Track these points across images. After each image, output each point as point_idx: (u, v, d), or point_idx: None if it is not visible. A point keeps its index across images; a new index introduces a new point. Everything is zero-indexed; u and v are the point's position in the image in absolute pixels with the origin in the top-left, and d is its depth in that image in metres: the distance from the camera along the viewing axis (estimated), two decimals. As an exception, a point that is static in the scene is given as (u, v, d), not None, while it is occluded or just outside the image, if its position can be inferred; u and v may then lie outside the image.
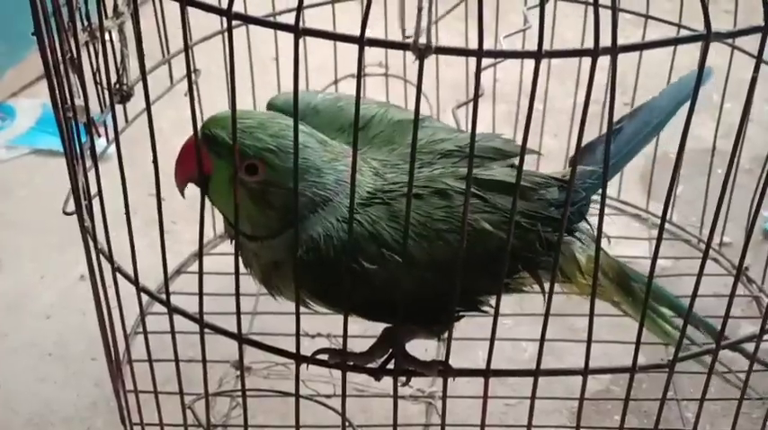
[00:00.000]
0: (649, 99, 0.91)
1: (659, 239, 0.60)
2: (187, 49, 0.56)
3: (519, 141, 0.88)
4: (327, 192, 0.72)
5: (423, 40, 0.45)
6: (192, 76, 0.59)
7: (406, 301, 0.63)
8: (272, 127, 0.70)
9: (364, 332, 1.06)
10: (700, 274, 0.62)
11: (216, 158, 0.70)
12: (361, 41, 0.49)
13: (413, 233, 0.70)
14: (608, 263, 0.87)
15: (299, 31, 0.50)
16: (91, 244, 0.77)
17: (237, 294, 0.67)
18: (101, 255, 0.76)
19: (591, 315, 0.64)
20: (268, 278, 0.77)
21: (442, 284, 0.69)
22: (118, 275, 0.75)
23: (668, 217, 1.27)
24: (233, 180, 0.67)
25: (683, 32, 1.19)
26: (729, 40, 1.15)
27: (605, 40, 0.48)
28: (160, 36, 1.08)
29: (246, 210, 0.70)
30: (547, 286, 0.77)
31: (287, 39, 0.51)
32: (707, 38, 0.47)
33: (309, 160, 0.71)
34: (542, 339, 0.64)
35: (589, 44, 0.47)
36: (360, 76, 0.51)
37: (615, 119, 0.64)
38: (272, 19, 0.69)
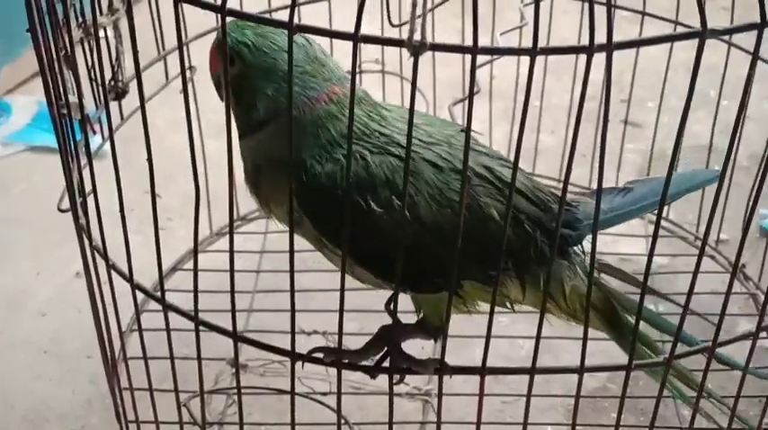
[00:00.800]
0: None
1: (655, 237, 0.59)
2: (181, 46, 0.56)
3: (515, 137, 0.89)
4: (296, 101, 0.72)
5: (417, 37, 0.45)
6: (187, 73, 0.59)
7: (400, 256, 0.63)
8: (263, 30, 0.72)
9: (360, 330, 1.06)
10: (696, 272, 0.62)
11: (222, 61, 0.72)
12: (356, 38, 0.48)
13: (426, 194, 0.71)
14: (596, 295, 0.86)
15: (293, 28, 0.49)
16: (85, 241, 0.76)
17: (232, 291, 0.67)
18: (95, 253, 0.76)
19: (586, 313, 0.64)
20: (255, 182, 0.77)
21: (438, 252, 0.70)
22: (113, 273, 0.74)
23: (665, 214, 1.27)
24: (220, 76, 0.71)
25: (680, 29, 1.19)
26: (726, 37, 1.14)
27: (601, 37, 0.48)
28: (155, 33, 1.08)
29: (232, 103, 0.71)
30: (530, 296, 0.79)
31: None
32: (703, 35, 0.47)
33: (279, 62, 0.72)
34: (538, 337, 0.64)
35: (586, 41, 0.47)
36: (354, 72, 0.50)
37: (613, 118, 0.63)
38: (266, 15, 0.69)
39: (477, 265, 0.72)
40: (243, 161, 0.78)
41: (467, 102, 0.57)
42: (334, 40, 0.51)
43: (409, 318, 0.81)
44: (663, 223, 1.25)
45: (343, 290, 0.63)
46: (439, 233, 0.71)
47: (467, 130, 0.51)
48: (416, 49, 0.45)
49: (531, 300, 0.80)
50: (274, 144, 0.72)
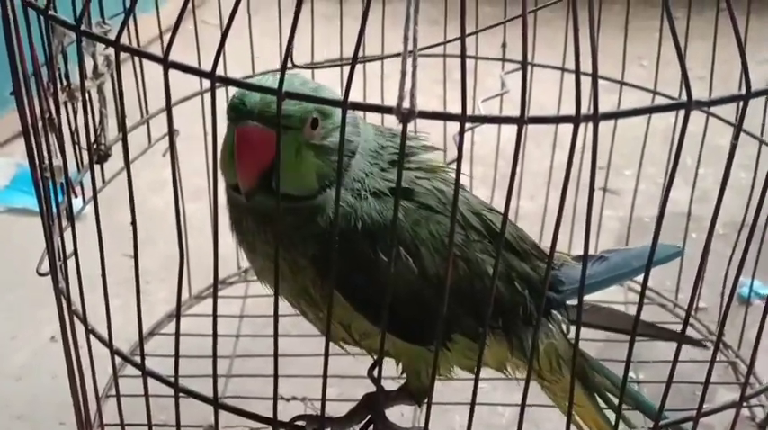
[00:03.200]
0: (639, 248, 0.98)
1: (639, 307, 0.60)
2: (169, 109, 0.56)
3: (496, 203, 0.90)
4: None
5: (406, 104, 0.45)
6: (172, 136, 0.59)
7: (396, 305, 0.64)
8: (294, 81, 0.71)
9: (340, 395, 1.05)
10: (680, 344, 0.62)
11: (284, 133, 0.68)
12: (345, 105, 0.49)
13: (431, 247, 0.72)
14: (568, 353, 0.88)
15: (281, 95, 0.50)
16: (64, 305, 0.76)
17: (214, 357, 0.66)
18: (74, 317, 0.75)
19: (572, 384, 0.64)
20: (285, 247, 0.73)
21: (435, 303, 0.71)
22: (91, 337, 0.74)
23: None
24: (300, 146, 0.69)
25: (660, 99, 1.20)
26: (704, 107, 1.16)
27: (585, 107, 0.48)
28: (139, 97, 1.08)
29: (315, 167, 0.71)
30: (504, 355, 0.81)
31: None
32: (688, 106, 0.47)
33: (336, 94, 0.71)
34: (523, 405, 0.63)
35: (566, 108, 0.47)
36: (342, 135, 0.51)
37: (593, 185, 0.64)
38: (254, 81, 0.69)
39: (471, 319, 0.74)
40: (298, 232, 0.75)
41: (453, 165, 0.58)
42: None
43: (392, 385, 0.80)
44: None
45: (327, 355, 0.62)
46: (439, 284, 0.72)
47: (454, 196, 0.51)
48: (405, 116, 0.46)
49: (499, 360, 0.82)
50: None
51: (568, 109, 0.49)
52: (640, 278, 0.73)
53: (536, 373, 0.84)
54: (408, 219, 0.73)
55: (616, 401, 0.91)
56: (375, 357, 0.81)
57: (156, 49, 0.55)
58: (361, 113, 0.78)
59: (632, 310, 1.23)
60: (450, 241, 0.54)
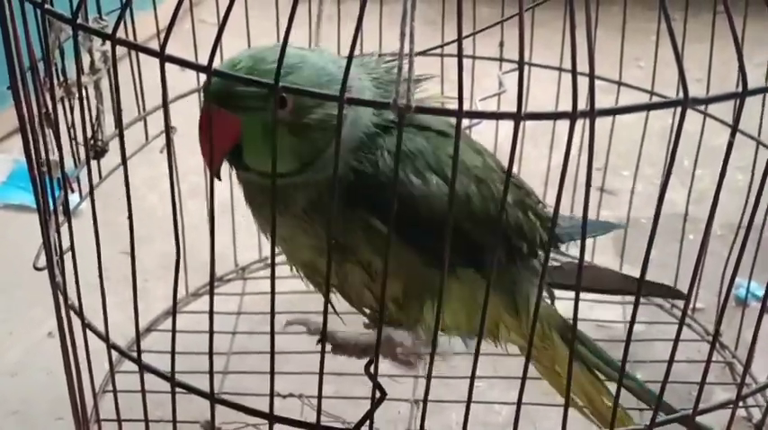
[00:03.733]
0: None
1: (636, 306, 0.60)
2: (166, 105, 0.56)
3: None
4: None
5: (403, 99, 0.46)
6: (169, 132, 0.59)
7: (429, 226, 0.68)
8: (266, 57, 0.69)
9: (336, 393, 1.05)
10: (676, 341, 0.62)
11: (245, 115, 0.68)
12: (341, 100, 0.49)
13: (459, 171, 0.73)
14: (553, 317, 0.91)
15: (278, 89, 0.50)
16: (61, 299, 0.76)
17: (211, 352, 0.66)
18: (71, 311, 0.75)
19: (568, 380, 0.64)
20: (319, 200, 0.74)
21: (462, 225, 0.75)
22: (88, 332, 0.74)
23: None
24: (267, 127, 0.67)
25: (657, 99, 1.20)
26: (701, 107, 1.16)
27: (582, 104, 0.48)
28: (136, 93, 1.08)
29: (290, 146, 0.70)
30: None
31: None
32: (684, 103, 0.47)
33: (321, 68, 0.70)
34: (519, 403, 0.63)
35: (563, 108, 0.47)
36: (339, 133, 0.51)
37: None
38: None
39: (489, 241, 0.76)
40: (288, 202, 0.76)
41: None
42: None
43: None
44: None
45: (323, 351, 0.62)
46: (469, 205, 0.76)
47: (450, 194, 0.51)
48: (402, 110, 0.46)
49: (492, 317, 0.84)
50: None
51: (566, 108, 0.49)
52: (633, 274, 0.73)
53: (525, 340, 0.85)
54: (431, 144, 0.75)
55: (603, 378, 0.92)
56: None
57: (154, 46, 0.55)
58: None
59: (629, 311, 1.23)
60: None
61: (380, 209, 0.72)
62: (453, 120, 0.75)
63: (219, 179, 0.71)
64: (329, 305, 0.65)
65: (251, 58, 0.69)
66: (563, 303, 0.94)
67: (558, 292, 0.95)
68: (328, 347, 0.75)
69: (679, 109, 0.49)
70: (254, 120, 0.68)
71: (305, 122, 0.70)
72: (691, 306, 1.24)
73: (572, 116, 0.45)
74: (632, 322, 0.61)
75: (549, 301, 0.91)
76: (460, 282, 0.79)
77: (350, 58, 0.48)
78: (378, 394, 0.70)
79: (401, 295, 0.79)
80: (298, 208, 0.75)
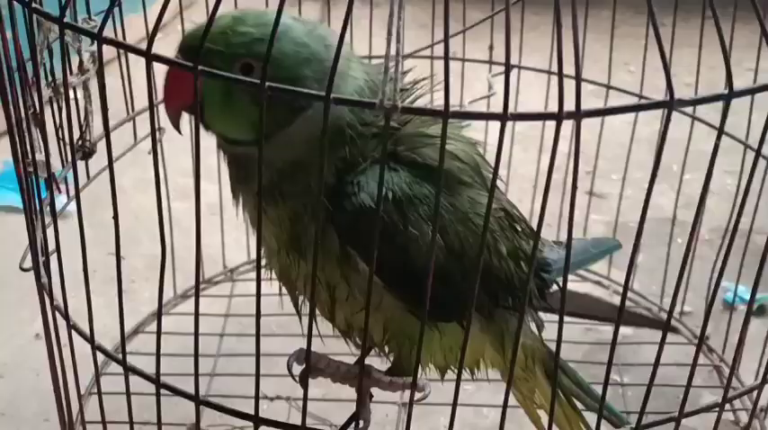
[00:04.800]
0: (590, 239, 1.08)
1: (621, 310, 0.60)
2: (152, 105, 0.56)
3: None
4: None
5: (389, 100, 0.46)
6: (157, 134, 0.59)
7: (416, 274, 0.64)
8: (248, 19, 0.66)
9: (324, 396, 1.05)
10: (662, 344, 0.62)
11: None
12: (327, 99, 0.49)
13: (454, 218, 0.72)
14: (539, 349, 0.89)
15: (265, 89, 0.50)
16: (47, 300, 0.75)
17: (196, 354, 0.66)
18: (56, 313, 0.75)
19: (554, 384, 0.64)
20: (279, 183, 0.71)
21: (457, 277, 0.72)
22: (73, 334, 0.73)
23: (629, 285, 1.28)
24: (228, 91, 0.65)
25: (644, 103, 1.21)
26: (690, 111, 1.17)
27: (569, 106, 0.48)
28: (125, 94, 1.08)
29: (249, 115, 0.66)
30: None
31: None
32: (670, 104, 0.47)
33: (303, 44, 0.66)
34: (505, 406, 0.63)
35: (553, 109, 0.47)
36: (325, 132, 0.50)
37: (578, 189, 0.64)
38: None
39: (484, 295, 0.75)
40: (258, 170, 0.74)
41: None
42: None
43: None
44: (627, 294, 1.26)
45: (308, 355, 0.62)
46: (461, 257, 0.72)
47: (436, 196, 0.51)
48: (388, 110, 0.46)
49: (475, 351, 0.83)
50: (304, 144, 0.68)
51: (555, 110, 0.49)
52: (621, 279, 0.73)
53: (507, 369, 0.85)
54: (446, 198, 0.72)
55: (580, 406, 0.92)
56: (358, 340, 0.81)
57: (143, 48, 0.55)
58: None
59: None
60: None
61: (362, 245, 0.70)
62: (487, 173, 0.76)
63: (180, 132, 0.70)
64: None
65: (234, 17, 0.67)
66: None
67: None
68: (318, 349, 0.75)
69: (666, 113, 0.49)
70: (214, 82, 0.65)
71: (269, 95, 0.67)
72: (678, 309, 1.24)
73: (558, 116, 0.45)
74: (617, 325, 0.61)
75: (536, 331, 0.89)
76: (442, 334, 0.77)
77: (336, 56, 0.48)
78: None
79: (381, 333, 0.78)
80: (270, 187, 0.72)
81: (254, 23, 0.66)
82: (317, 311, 0.78)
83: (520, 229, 0.81)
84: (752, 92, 0.49)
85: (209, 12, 0.52)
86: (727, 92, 0.48)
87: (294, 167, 0.70)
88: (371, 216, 0.68)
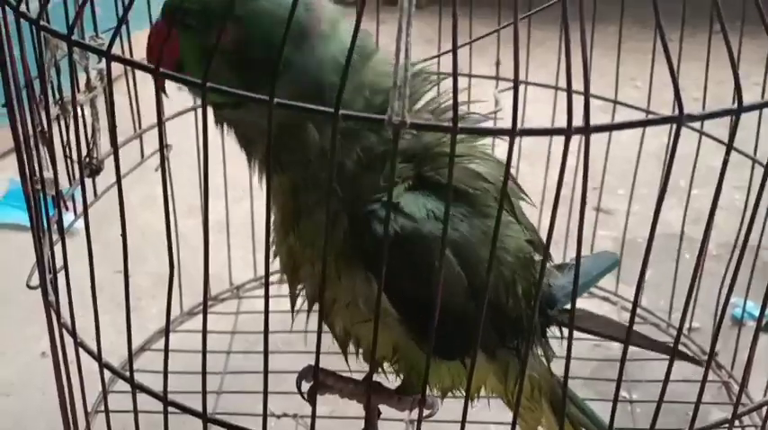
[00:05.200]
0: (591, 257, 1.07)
1: (630, 329, 0.59)
2: (160, 121, 0.56)
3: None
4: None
5: (398, 115, 0.45)
6: (164, 151, 0.59)
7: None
8: None
9: (331, 413, 1.05)
10: (672, 360, 0.61)
11: (184, 34, 0.65)
12: (336, 115, 0.49)
13: (483, 248, 0.70)
14: (545, 380, 0.88)
15: (273, 105, 0.50)
16: (54, 318, 0.75)
17: (204, 372, 0.65)
18: (64, 330, 0.75)
19: (563, 406, 0.64)
20: (277, 151, 0.68)
21: (469, 316, 0.69)
22: (80, 352, 0.73)
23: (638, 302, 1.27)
24: (203, 48, 0.64)
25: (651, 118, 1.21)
26: (698, 126, 1.16)
27: (578, 121, 0.48)
28: (132, 111, 1.08)
29: (227, 81, 0.59)
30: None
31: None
32: (680, 120, 0.47)
33: (278, 3, 0.63)
34: (513, 424, 0.63)
35: (560, 125, 0.47)
36: (334, 148, 0.50)
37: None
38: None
39: (494, 334, 0.75)
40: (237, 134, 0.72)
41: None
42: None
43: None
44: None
45: (317, 372, 0.62)
46: (477, 292, 0.71)
47: (446, 210, 0.51)
48: (397, 126, 0.46)
49: (479, 380, 0.82)
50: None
51: (562, 125, 0.49)
52: (629, 295, 0.73)
53: (510, 399, 0.84)
54: (461, 225, 0.70)
55: None
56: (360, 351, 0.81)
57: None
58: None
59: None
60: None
61: (392, 275, 0.70)
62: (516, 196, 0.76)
63: (166, 94, 0.67)
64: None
65: None
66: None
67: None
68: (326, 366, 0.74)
69: (675, 128, 0.49)
70: (191, 40, 0.65)
71: (247, 58, 0.64)
72: (686, 325, 1.23)
73: (567, 132, 0.45)
74: (627, 341, 0.61)
75: (544, 362, 0.88)
76: (449, 365, 0.78)
77: (345, 73, 0.48)
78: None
79: (390, 355, 0.77)
80: (259, 154, 0.72)
81: None
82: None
83: (537, 259, 0.79)
84: (761, 107, 0.49)
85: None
86: (736, 107, 0.48)
87: (281, 131, 0.66)
88: (410, 245, 0.67)
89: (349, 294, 0.72)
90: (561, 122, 0.47)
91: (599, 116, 1.47)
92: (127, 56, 1.05)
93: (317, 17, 0.66)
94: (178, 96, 0.92)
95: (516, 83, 0.45)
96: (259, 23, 0.64)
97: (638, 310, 1.28)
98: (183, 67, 0.66)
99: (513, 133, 0.45)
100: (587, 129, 0.45)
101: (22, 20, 0.62)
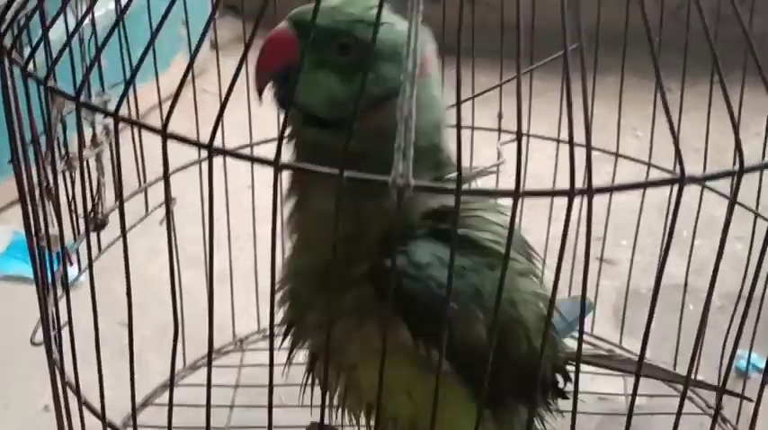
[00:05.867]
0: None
1: (637, 380, 0.59)
2: (167, 182, 0.56)
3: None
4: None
5: (401, 178, 0.46)
6: (169, 204, 0.59)
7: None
8: (357, 3, 0.69)
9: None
10: (678, 415, 0.61)
11: (304, 41, 0.68)
12: (341, 175, 0.49)
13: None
14: None
15: (278, 166, 0.50)
16: (58, 376, 0.75)
17: (208, 427, 0.65)
18: (67, 388, 0.75)
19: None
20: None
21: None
22: (84, 409, 0.73)
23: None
24: (323, 63, 0.67)
25: (654, 171, 1.21)
26: (698, 182, 1.17)
27: (580, 176, 0.49)
28: (137, 165, 1.09)
29: (327, 89, 0.69)
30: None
31: (263, 168, 0.52)
32: (681, 181, 0.48)
33: (401, 36, 0.65)
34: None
35: (561, 178, 0.48)
36: (338, 209, 0.51)
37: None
38: (249, 151, 0.70)
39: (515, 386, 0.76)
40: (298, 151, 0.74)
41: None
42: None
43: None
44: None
45: (322, 424, 0.62)
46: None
47: (450, 265, 0.51)
48: (401, 189, 0.46)
49: None
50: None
51: (564, 178, 0.50)
52: (632, 347, 0.73)
53: None
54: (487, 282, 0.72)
55: None
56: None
57: (156, 118, 0.56)
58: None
59: (630, 383, 1.22)
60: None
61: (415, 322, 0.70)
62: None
63: (260, 99, 0.71)
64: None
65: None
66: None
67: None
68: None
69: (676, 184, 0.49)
70: (312, 51, 0.68)
71: (357, 74, 0.68)
72: (691, 378, 1.23)
73: (570, 193, 0.46)
74: (634, 395, 0.61)
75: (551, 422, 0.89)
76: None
77: (351, 124, 0.49)
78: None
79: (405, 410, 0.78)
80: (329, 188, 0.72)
81: (362, 7, 0.69)
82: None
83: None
84: (762, 168, 0.49)
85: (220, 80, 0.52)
86: (737, 168, 0.48)
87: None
88: (438, 299, 0.68)
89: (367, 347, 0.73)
90: (564, 173, 0.47)
91: (600, 167, 1.47)
92: (132, 107, 1.06)
93: (428, 57, 0.70)
94: (182, 149, 0.92)
95: (519, 142, 0.46)
96: (380, 49, 0.67)
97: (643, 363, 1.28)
98: (292, 73, 0.68)
99: (516, 194, 0.46)
100: (590, 191, 0.46)
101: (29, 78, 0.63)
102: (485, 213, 0.73)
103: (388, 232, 0.69)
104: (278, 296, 0.78)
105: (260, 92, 0.71)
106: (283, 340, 0.82)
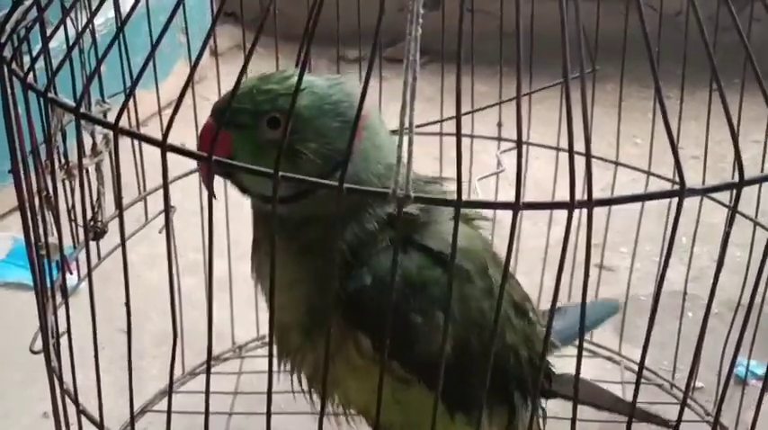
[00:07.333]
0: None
1: (636, 389, 0.59)
2: (167, 192, 0.56)
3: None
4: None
5: (402, 189, 0.46)
6: (169, 214, 0.59)
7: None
8: (272, 78, 0.70)
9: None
10: (678, 423, 0.61)
11: (236, 132, 0.69)
12: (340, 188, 0.49)
13: (458, 312, 0.72)
14: None
15: (278, 178, 0.50)
16: (57, 385, 0.75)
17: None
18: (66, 396, 0.75)
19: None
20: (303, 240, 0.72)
21: (456, 367, 0.71)
22: (82, 417, 0.73)
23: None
24: (258, 145, 0.68)
25: (653, 179, 1.21)
26: (698, 194, 1.17)
27: (580, 186, 0.49)
28: (137, 174, 1.09)
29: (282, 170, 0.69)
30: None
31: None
32: (681, 194, 0.48)
33: (326, 95, 0.69)
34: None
35: (561, 187, 0.48)
36: (341, 220, 0.51)
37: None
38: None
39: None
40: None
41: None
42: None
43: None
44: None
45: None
46: (460, 350, 0.73)
47: (449, 278, 0.51)
48: (401, 201, 0.46)
49: None
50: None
51: (564, 187, 0.50)
52: (632, 354, 0.73)
53: None
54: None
55: None
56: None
57: (155, 126, 0.56)
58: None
59: (629, 391, 1.22)
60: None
61: (365, 324, 0.72)
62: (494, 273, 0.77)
63: (214, 197, 0.70)
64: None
65: (258, 78, 0.71)
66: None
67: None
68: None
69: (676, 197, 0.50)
70: (244, 138, 0.69)
71: (297, 149, 0.69)
72: (691, 386, 1.23)
73: (570, 206, 0.46)
74: (634, 402, 0.61)
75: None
76: (457, 419, 0.79)
77: (352, 136, 0.49)
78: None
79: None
80: (293, 245, 0.73)
81: (278, 81, 0.70)
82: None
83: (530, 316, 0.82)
84: (761, 180, 0.50)
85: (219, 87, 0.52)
86: (737, 180, 0.48)
87: (307, 222, 0.71)
88: (372, 295, 0.70)
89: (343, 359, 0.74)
90: (564, 181, 0.47)
91: (600, 175, 1.47)
92: (132, 116, 1.06)
93: (365, 113, 0.70)
94: (180, 158, 0.92)
95: (520, 155, 0.46)
96: (304, 114, 0.69)
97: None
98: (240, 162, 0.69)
99: (516, 207, 0.46)
100: (590, 203, 0.46)
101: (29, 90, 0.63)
102: (446, 224, 0.75)
103: (351, 249, 0.71)
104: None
105: (210, 190, 0.70)
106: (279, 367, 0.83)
